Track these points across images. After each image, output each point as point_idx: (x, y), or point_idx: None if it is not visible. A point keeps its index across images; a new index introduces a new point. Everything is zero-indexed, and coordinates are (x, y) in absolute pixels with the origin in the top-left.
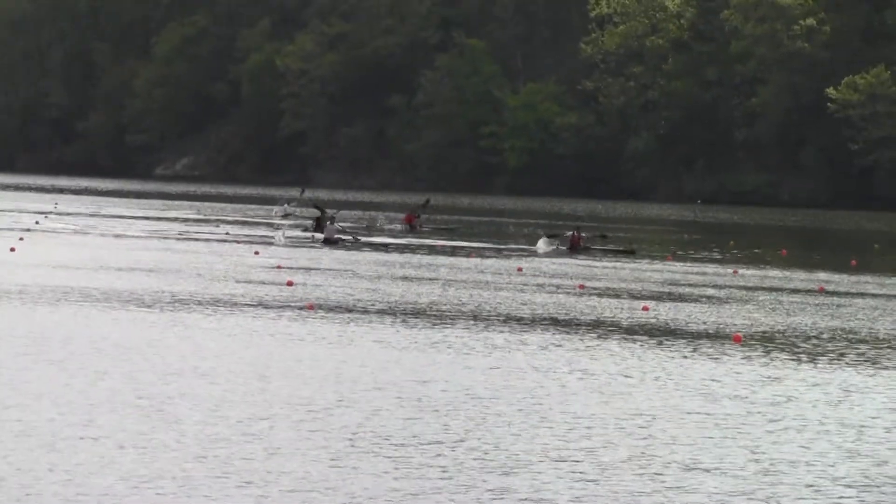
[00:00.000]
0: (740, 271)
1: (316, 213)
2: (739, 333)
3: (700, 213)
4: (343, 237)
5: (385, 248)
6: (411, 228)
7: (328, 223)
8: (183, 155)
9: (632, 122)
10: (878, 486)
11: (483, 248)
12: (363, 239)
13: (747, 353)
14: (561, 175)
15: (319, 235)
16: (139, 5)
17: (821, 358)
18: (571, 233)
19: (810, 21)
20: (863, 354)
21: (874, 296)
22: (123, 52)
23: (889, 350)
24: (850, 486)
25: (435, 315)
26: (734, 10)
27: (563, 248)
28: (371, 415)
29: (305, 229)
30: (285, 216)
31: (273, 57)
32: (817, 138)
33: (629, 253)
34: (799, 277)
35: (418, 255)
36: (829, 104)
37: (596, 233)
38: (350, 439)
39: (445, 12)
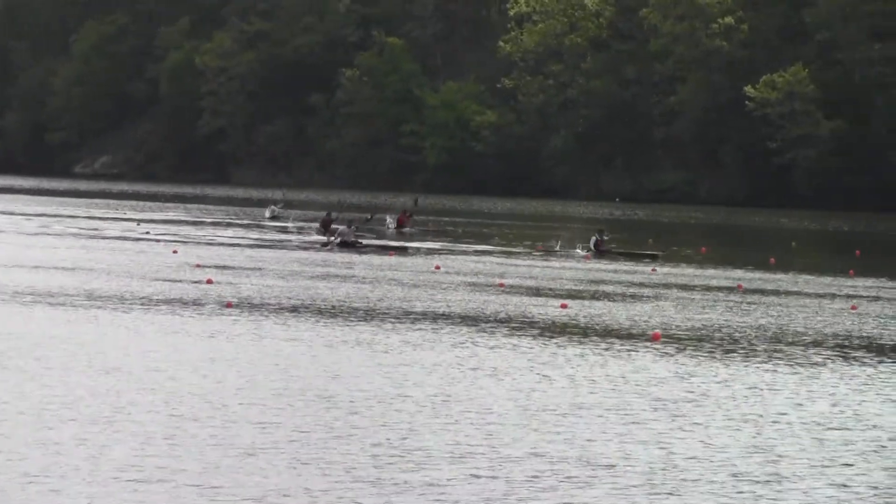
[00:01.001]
0: (659, 269)
1: (322, 216)
2: (658, 331)
3: (619, 210)
4: (359, 241)
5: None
6: (400, 229)
7: (346, 226)
8: (102, 153)
9: (551, 121)
10: (777, 482)
11: (493, 250)
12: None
13: (665, 351)
14: (480, 173)
15: (333, 239)
16: (57, 4)
17: (736, 355)
18: (595, 238)
19: (728, 20)
20: (778, 352)
21: (792, 293)
22: (41, 50)
23: (803, 347)
24: (751, 482)
25: (351, 313)
26: (653, 9)
27: (590, 252)
28: (277, 411)
29: (312, 232)
30: (273, 217)
31: (192, 55)
32: (736, 136)
33: (653, 257)
34: (718, 275)
35: (340, 254)
36: (747, 102)
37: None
38: (254, 436)
39: (365, 11)
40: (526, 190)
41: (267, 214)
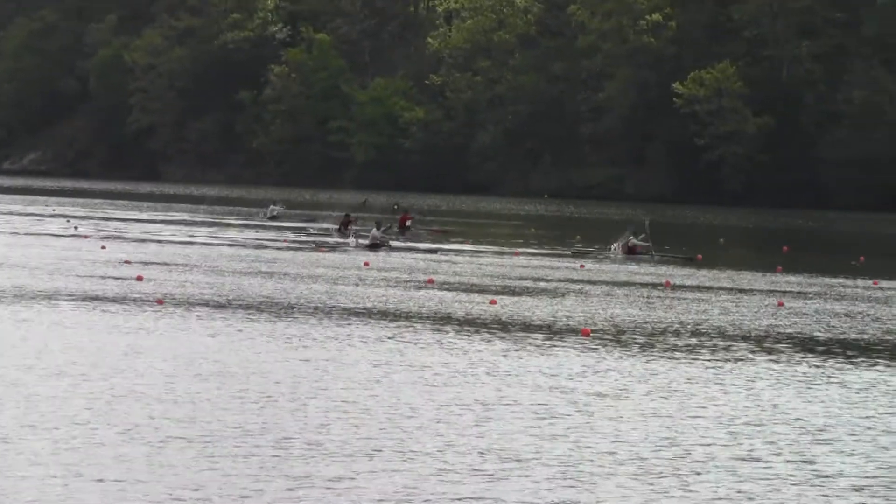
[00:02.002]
0: (587, 265)
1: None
2: (587, 327)
3: (546, 206)
4: (388, 242)
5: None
6: (403, 230)
7: (376, 228)
8: (31, 149)
9: (479, 117)
10: (686, 475)
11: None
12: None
13: (593, 346)
14: (408, 169)
15: (363, 241)
16: None
17: (664, 351)
18: (631, 239)
19: (656, 16)
20: (704, 347)
21: (720, 290)
22: None
23: (730, 343)
24: (659, 475)
25: (277, 309)
26: (580, 6)
27: (622, 253)
28: (191, 405)
29: (331, 234)
30: (272, 218)
31: (121, 52)
32: (663, 133)
33: (689, 260)
34: (646, 272)
35: (270, 251)
36: (675, 99)
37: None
38: (167, 429)
39: (293, 7)
40: (453, 186)
41: (266, 214)
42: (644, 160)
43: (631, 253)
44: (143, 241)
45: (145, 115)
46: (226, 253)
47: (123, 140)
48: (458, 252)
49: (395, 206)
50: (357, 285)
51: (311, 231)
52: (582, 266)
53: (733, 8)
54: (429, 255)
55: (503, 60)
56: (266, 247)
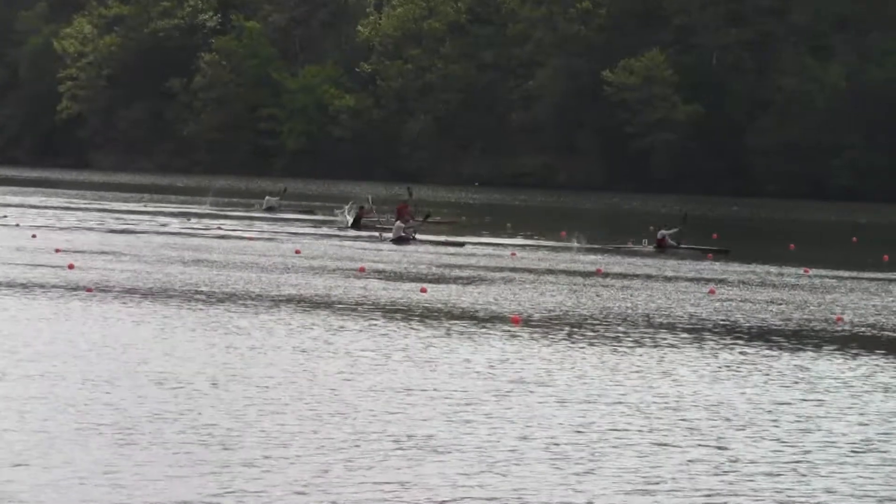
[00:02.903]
0: (519, 254)
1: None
2: (517, 315)
3: (477, 194)
4: (413, 236)
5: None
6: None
7: (397, 221)
8: None
9: (410, 105)
10: (600, 460)
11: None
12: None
13: (522, 333)
14: (339, 157)
15: (387, 235)
16: None
17: (593, 338)
18: (661, 232)
19: (586, 4)
20: (628, 334)
21: (650, 277)
22: None
23: (659, 330)
24: (576, 462)
25: (207, 296)
26: None
27: (652, 248)
28: (111, 393)
29: (342, 227)
30: (269, 209)
31: (51, 39)
32: (594, 121)
33: (724, 252)
34: (577, 259)
35: (198, 239)
36: (605, 87)
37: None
38: (82, 416)
39: None
40: (384, 174)
41: (263, 206)
42: (575, 148)
43: (661, 246)
44: (76, 229)
45: (75, 103)
46: (159, 242)
47: (53, 128)
48: (486, 245)
49: (409, 190)
50: (287, 273)
51: (341, 223)
52: (513, 254)
53: None
54: (454, 249)
55: (434, 48)
56: (199, 235)
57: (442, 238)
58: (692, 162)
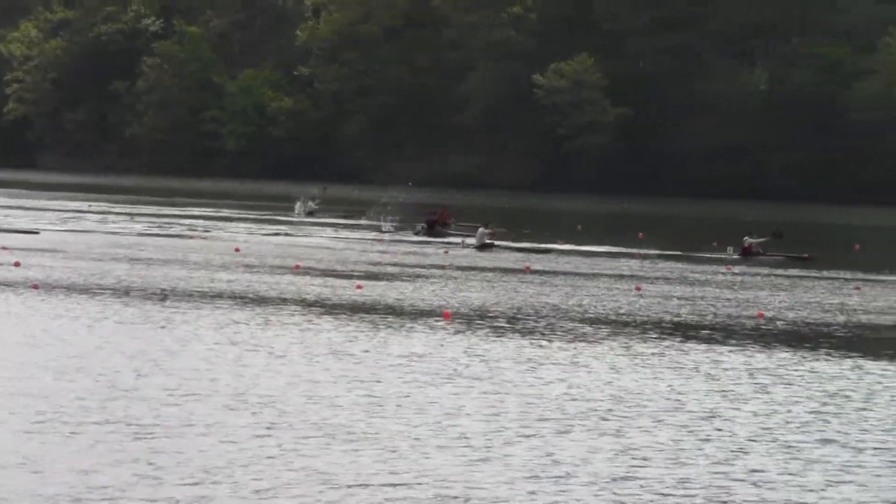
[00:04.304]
0: (451, 251)
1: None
2: (449, 310)
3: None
4: (494, 242)
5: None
6: (431, 229)
7: (483, 227)
8: None
9: (346, 107)
10: (505, 448)
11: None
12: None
13: (452, 328)
14: (278, 157)
15: (470, 242)
16: None
17: (520, 333)
18: (746, 239)
19: (517, 9)
20: (552, 329)
21: (578, 274)
22: None
23: (579, 325)
24: (482, 448)
25: (146, 293)
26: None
27: (737, 255)
28: (40, 383)
29: (417, 232)
30: (310, 213)
31: None
32: (525, 123)
33: (806, 259)
34: (508, 257)
35: (145, 238)
36: (535, 90)
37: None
38: (8, 406)
39: (165, 1)
40: (322, 174)
41: (301, 209)
42: (506, 149)
43: (747, 253)
44: (24, 231)
45: (21, 105)
46: (108, 241)
47: (0, 129)
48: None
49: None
50: (223, 271)
51: (419, 230)
52: (447, 252)
53: (594, 2)
54: (537, 255)
55: (370, 52)
56: (146, 234)
57: (527, 245)
58: (619, 163)
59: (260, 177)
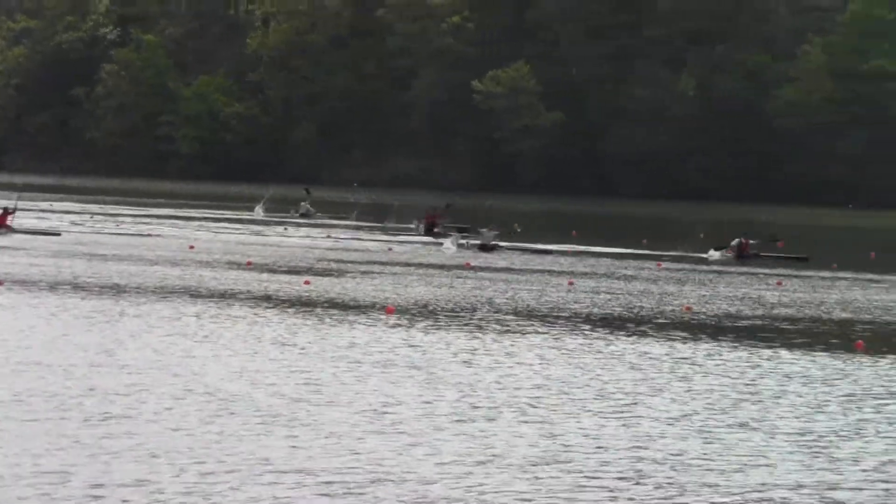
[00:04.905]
0: (395, 248)
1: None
2: (391, 305)
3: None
4: (498, 244)
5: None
6: (431, 230)
7: (487, 229)
8: None
9: (295, 112)
10: (433, 433)
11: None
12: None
13: (394, 322)
14: (230, 161)
15: (474, 242)
16: None
17: (453, 326)
18: (739, 240)
19: (456, 19)
20: (487, 322)
21: (515, 270)
22: None
23: (513, 318)
24: (412, 434)
25: (98, 289)
26: (388, 9)
27: (731, 255)
28: None
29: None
30: (303, 215)
31: None
32: (466, 128)
33: (802, 259)
34: (449, 254)
35: (101, 236)
36: (475, 96)
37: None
38: None
39: (123, 10)
40: (272, 177)
41: (297, 212)
42: (448, 152)
43: (742, 251)
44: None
45: None
46: (68, 239)
47: None
48: (783, 265)
49: (448, 205)
50: (177, 267)
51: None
52: (390, 249)
53: (528, 12)
54: (540, 256)
55: (317, 60)
56: (102, 232)
57: (528, 246)
58: (555, 165)
59: (213, 179)
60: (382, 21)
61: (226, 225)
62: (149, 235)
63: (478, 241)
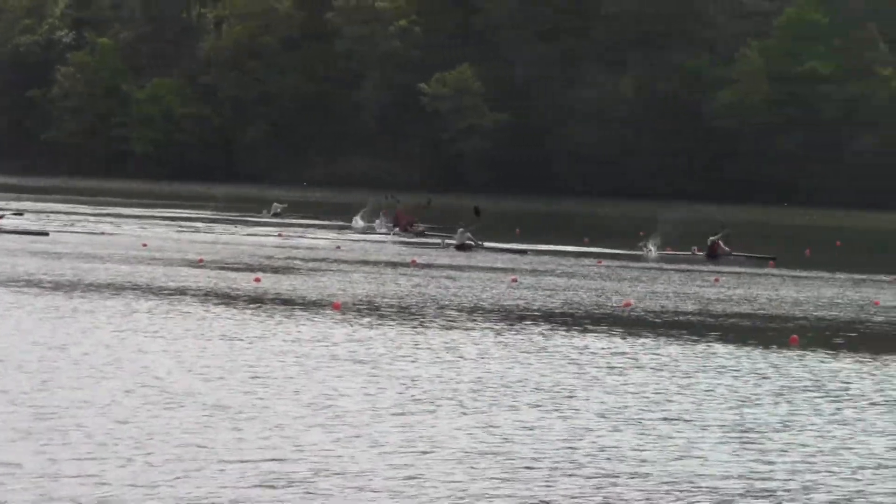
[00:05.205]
0: (343, 246)
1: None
2: (338, 301)
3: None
4: (478, 243)
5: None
6: (402, 229)
7: (463, 229)
8: None
9: (248, 113)
10: (368, 426)
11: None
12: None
13: (340, 318)
14: (184, 161)
15: (450, 242)
16: None
17: (396, 322)
18: (711, 240)
19: (404, 23)
20: (431, 318)
21: (462, 267)
22: None
23: (452, 313)
24: (351, 426)
25: (50, 286)
26: (337, 13)
27: (702, 254)
28: None
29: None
30: (276, 215)
31: None
32: (414, 129)
33: (772, 259)
34: (395, 251)
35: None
36: (422, 97)
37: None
38: None
39: (78, 14)
40: (226, 176)
41: (270, 212)
42: (397, 152)
43: (712, 252)
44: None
45: None
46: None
47: None
48: (753, 264)
49: (428, 201)
50: (128, 264)
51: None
52: (338, 248)
53: (472, 17)
54: (579, 260)
55: (269, 62)
56: (60, 231)
57: (505, 246)
58: (500, 164)
59: (168, 179)
60: (332, 24)
61: (180, 223)
62: (102, 234)
63: (454, 242)
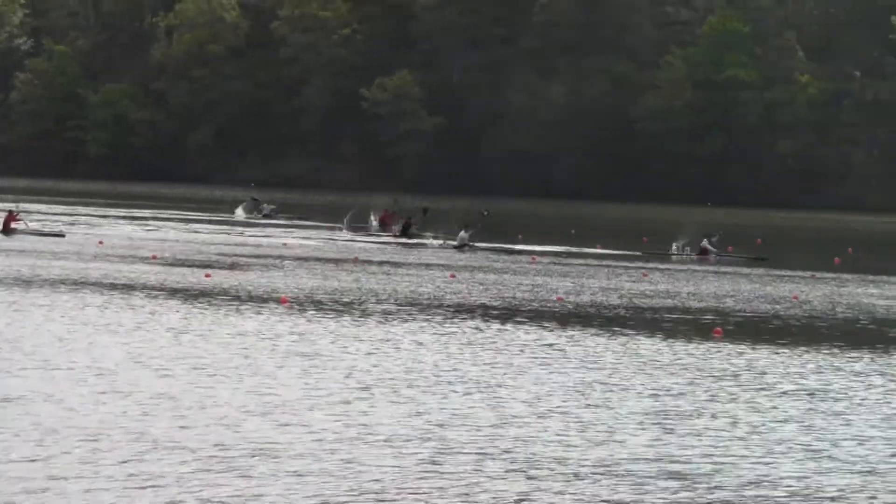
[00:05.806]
0: (288, 242)
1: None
2: (285, 296)
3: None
4: (472, 244)
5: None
6: (384, 228)
7: (463, 231)
8: None
9: (196, 117)
10: (304, 413)
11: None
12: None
13: (285, 312)
14: (136, 163)
15: (450, 243)
16: None
17: (339, 315)
18: (704, 240)
19: (346, 31)
20: (372, 311)
21: (402, 264)
22: None
23: (393, 307)
24: (286, 412)
25: (13, 282)
26: (283, 22)
27: (693, 255)
28: None
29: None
30: (266, 216)
31: None
32: (354, 132)
33: (761, 259)
34: (338, 248)
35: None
36: (362, 102)
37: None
38: None
39: (36, 22)
40: (175, 177)
41: (260, 212)
42: (337, 154)
43: (703, 254)
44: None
45: None
46: None
47: None
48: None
49: (485, 213)
50: (87, 262)
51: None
52: (285, 244)
53: (411, 24)
54: (513, 257)
55: (217, 69)
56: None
57: (501, 246)
58: (436, 166)
59: (122, 180)
60: (277, 33)
61: (134, 222)
62: (60, 234)
63: (453, 243)
